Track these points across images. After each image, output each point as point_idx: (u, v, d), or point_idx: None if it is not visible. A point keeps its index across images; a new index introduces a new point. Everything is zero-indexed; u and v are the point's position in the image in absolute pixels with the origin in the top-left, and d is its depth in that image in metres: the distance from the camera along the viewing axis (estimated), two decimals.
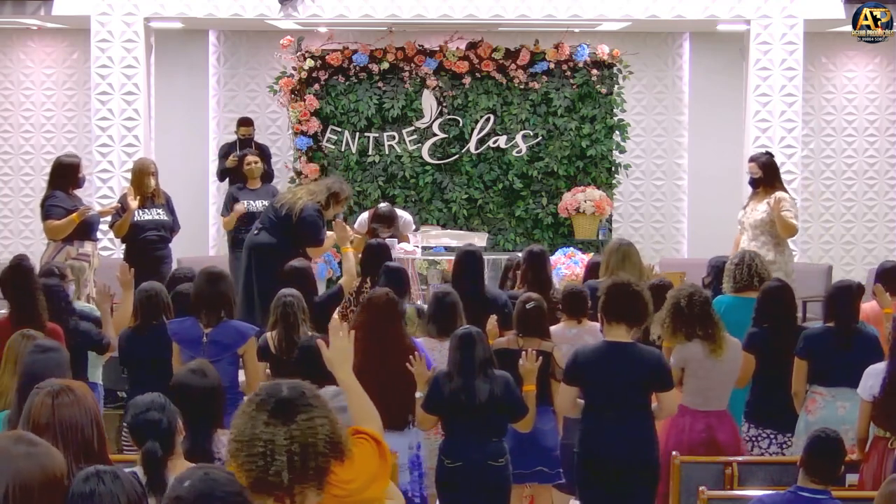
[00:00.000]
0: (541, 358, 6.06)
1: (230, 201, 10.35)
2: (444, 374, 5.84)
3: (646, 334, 6.42)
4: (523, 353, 6.03)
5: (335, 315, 7.68)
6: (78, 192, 9.54)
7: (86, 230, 9.21)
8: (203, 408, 4.59)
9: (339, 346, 3.91)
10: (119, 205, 9.59)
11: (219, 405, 4.79)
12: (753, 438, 6.69)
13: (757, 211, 9.15)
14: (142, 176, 9.56)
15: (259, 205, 10.09)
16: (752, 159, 9.50)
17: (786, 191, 9.30)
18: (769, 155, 9.53)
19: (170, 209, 9.72)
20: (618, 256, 7.74)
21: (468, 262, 7.53)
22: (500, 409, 5.76)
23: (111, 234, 10.62)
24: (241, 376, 6.66)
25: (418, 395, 5.94)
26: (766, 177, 9.20)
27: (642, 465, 5.69)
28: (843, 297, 6.58)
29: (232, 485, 2.96)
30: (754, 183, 9.31)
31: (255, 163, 10.53)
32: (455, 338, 5.85)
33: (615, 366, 5.68)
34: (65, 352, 5.14)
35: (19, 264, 6.83)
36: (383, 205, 10.45)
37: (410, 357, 6.14)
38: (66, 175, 9.27)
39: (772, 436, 6.63)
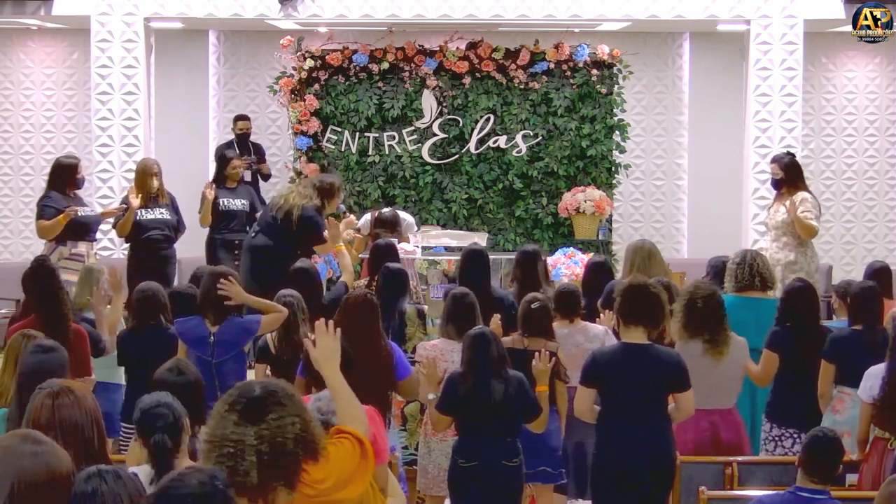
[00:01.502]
0: (554, 358, 6.06)
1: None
2: (459, 374, 5.83)
3: (660, 336, 6.39)
4: (537, 353, 6.02)
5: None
6: (79, 193, 9.55)
7: (80, 230, 9.20)
8: (182, 406, 4.53)
9: (326, 346, 3.89)
10: (122, 207, 9.59)
11: (198, 402, 4.77)
12: (777, 438, 6.69)
13: (779, 212, 9.10)
14: (144, 176, 9.57)
15: (239, 203, 10.13)
16: (773, 160, 9.44)
17: (809, 191, 9.24)
18: (791, 155, 9.47)
19: (174, 209, 9.72)
20: (643, 255, 7.75)
21: (474, 261, 7.52)
22: (514, 409, 5.75)
23: (112, 234, 10.63)
24: (250, 375, 6.66)
25: (431, 396, 5.94)
26: (789, 177, 9.13)
27: (659, 467, 5.67)
28: (869, 299, 6.58)
29: (201, 487, 2.86)
30: (776, 184, 9.26)
31: (239, 166, 10.52)
32: (468, 338, 5.83)
33: (633, 367, 5.66)
34: (64, 352, 5.15)
35: (42, 265, 6.80)
36: (386, 210, 10.47)
37: (422, 361, 6.13)
38: (63, 176, 9.29)
39: (795, 435, 6.61)
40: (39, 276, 6.67)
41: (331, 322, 3.94)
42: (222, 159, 10.50)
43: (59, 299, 6.51)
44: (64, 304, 6.52)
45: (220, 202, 10.15)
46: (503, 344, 6.43)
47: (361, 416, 3.86)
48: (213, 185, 10.16)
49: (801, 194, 9.03)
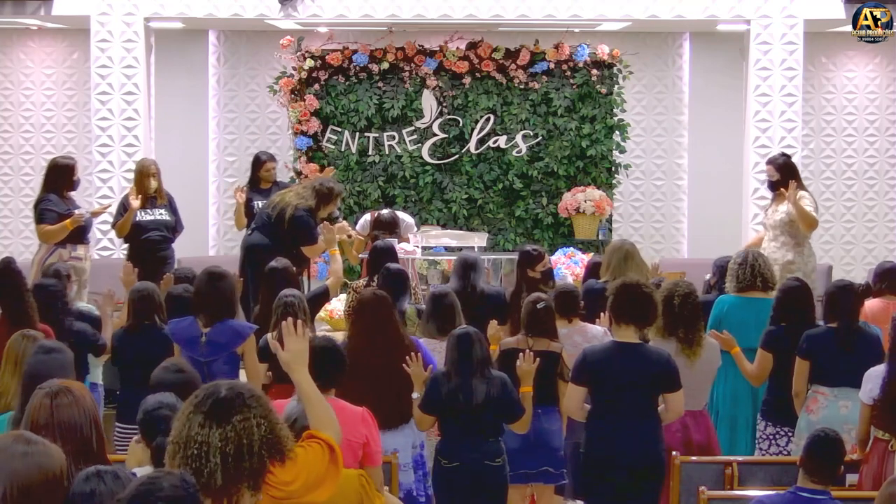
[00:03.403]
0: (538, 360, 6.05)
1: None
2: (442, 373, 5.84)
3: None
4: (521, 354, 6.02)
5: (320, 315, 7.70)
6: (75, 193, 9.52)
7: (78, 233, 9.18)
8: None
9: (295, 348, 3.85)
10: (110, 204, 9.58)
11: None
12: (771, 437, 6.69)
13: (778, 212, 9.15)
14: (142, 177, 9.54)
15: None
16: (768, 162, 9.48)
17: (806, 189, 9.29)
18: (785, 156, 9.51)
19: (172, 209, 9.69)
20: (619, 256, 7.75)
21: (463, 267, 7.71)
22: (496, 410, 5.75)
23: (112, 235, 10.62)
24: (243, 376, 6.65)
25: (415, 395, 5.94)
26: (785, 179, 9.17)
27: (649, 466, 5.68)
28: (845, 297, 6.58)
29: (177, 490, 2.87)
30: (773, 186, 9.31)
31: (273, 168, 10.43)
32: (452, 337, 5.84)
33: (624, 366, 5.67)
34: (69, 352, 5.15)
35: (7, 266, 6.83)
36: (385, 211, 10.46)
37: (407, 358, 6.14)
38: (60, 177, 9.25)
39: (790, 433, 6.62)
40: (5, 278, 6.69)
41: (299, 323, 3.90)
42: (256, 161, 10.45)
43: (24, 301, 6.56)
44: (29, 305, 6.57)
45: (255, 204, 10.09)
46: (507, 345, 6.44)
47: (333, 420, 3.83)
48: (243, 188, 10.11)
49: (800, 192, 9.08)
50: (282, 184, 10.49)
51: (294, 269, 7.71)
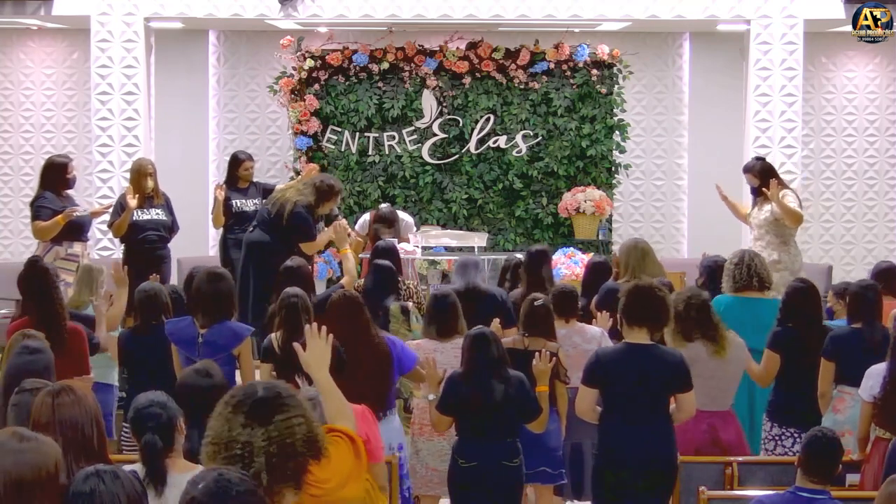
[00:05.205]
0: (555, 359, 6.05)
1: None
2: (459, 374, 5.83)
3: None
4: (537, 353, 6.02)
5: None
6: (74, 192, 9.54)
7: (75, 231, 9.19)
8: (208, 409, 4.50)
9: (316, 349, 3.90)
10: (111, 205, 9.57)
11: None
12: (777, 437, 6.69)
13: (763, 211, 9.22)
14: (139, 177, 9.55)
15: (251, 204, 10.12)
16: (746, 170, 9.58)
17: (788, 187, 9.36)
18: (761, 160, 9.60)
19: (169, 209, 9.70)
20: (637, 255, 7.74)
21: (460, 267, 7.72)
22: (514, 410, 5.75)
23: (111, 234, 10.63)
24: (238, 378, 6.64)
25: (431, 397, 5.93)
26: (766, 182, 9.23)
27: (662, 467, 5.66)
28: (869, 297, 6.57)
29: (245, 484, 2.93)
30: (756, 191, 9.38)
31: (251, 168, 10.46)
32: (469, 338, 5.84)
33: (636, 367, 5.65)
34: (50, 354, 5.14)
35: (35, 264, 6.81)
36: (385, 206, 10.48)
37: (422, 360, 6.12)
38: (55, 175, 9.26)
39: (795, 434, 6.60)
40: (33, 277, 6.67)
41: (324, 327, 3.93)
42: (234, 160, 10.45)
43: (54, 299, 6.51)
44: (58, 304, 6.52)
45: (233, 203, 10.10)
46: (504, 345, 6.43)
47: (351, 416, 3.88)
48: (223, 186, 10.12)
49: (782, 190, 9.15)
50: (259, 184, 10.51)
51: (309, 267, 7.72)
